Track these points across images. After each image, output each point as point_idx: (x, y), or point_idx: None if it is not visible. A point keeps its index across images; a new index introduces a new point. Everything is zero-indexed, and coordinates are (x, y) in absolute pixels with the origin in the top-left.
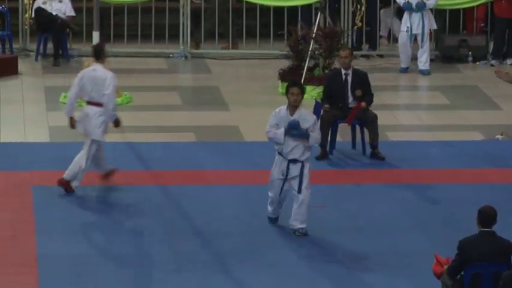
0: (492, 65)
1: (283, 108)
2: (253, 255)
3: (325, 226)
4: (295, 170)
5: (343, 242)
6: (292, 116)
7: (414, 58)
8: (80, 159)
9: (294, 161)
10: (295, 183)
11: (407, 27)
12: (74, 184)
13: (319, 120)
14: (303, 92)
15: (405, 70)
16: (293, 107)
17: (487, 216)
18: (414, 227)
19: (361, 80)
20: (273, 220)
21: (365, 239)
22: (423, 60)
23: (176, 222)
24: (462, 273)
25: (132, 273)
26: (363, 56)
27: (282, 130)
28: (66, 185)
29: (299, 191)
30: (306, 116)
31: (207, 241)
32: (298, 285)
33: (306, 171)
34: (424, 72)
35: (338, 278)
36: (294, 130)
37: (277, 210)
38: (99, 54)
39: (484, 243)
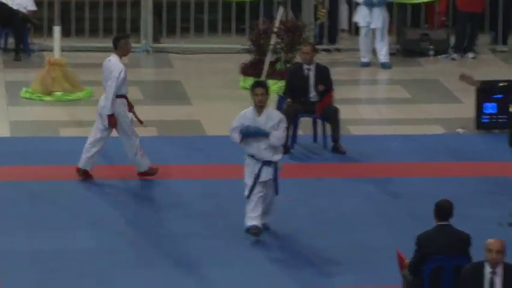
0: (453, 59)
1: (249, 110)
2: (219, 249)
3: (291, 221)
4: (268, 172)
5: (310, 237)
6: (259, 116)
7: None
8: (129, 153)
9: (267, 163)
10: (268, 186)
11: (368, 21)
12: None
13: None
14: (267, 91)
15: (367, 64)
16: (259, 107)
17: (443, 210)
18: (378, 221)
19: (323, 75)
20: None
21: (331, 234)
22: (383, 54)
23: (139, 217)
24: (422, 266)
25: (95, 269)
26: (324, 50)
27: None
28: (146, 174)
29: (276, 193)
30: (273, 115)
31: (170, 236)
32: (266, 281)
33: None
34: (385, 66)
35: (305, 273)
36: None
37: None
38: (115, 45)
39: (442, 237)
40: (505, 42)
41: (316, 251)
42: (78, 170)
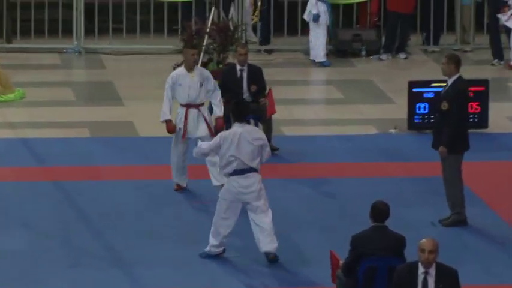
0: (380, 59)
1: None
2: (149, 250)
3: None
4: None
5: (241, 237)
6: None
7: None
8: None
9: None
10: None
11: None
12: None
13: None
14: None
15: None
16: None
17: (379, 212)
18: (311, 222)
19: (256, 75)
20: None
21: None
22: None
23: (71, 218)
24: (357, 266)
25: (28, 269)
26: (259, 50)
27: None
28: None
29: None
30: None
31: (102, 236)
32: (195, 280)
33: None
34: (325, 64)
35: (236, 272)
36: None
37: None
38: None
39: (377, 238)
40: (436, 43)
41: (247, 251)
42: None
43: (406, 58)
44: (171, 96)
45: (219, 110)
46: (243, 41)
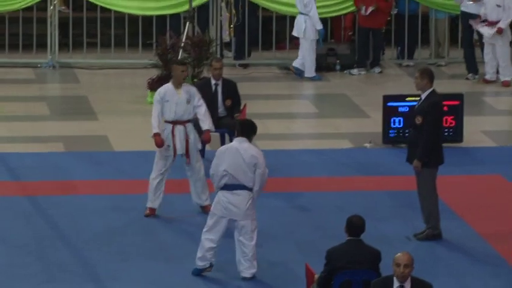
0: (351, 74)
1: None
2: (124, 265)
3: (195, 235)
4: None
5: (219, 252)
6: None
7: None
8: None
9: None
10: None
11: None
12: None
13: None
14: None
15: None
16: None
17: (354, 226)
18: (284, 236)
19: (231, 90)
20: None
21: (232, 248)
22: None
23: (45, 233)
24: (332, 281)
25: (2, 285)
26: (234, 65)
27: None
28: None
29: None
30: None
31: (77, 251)
32: None
33: None
34: (315, 79)
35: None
36: None
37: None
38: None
39: (352, 251)
40: (411, 57)
41: (221, 265)
42: None
43: (380, 72)
44: (160, 111)
45: (205, 124)
46: (218, 56)
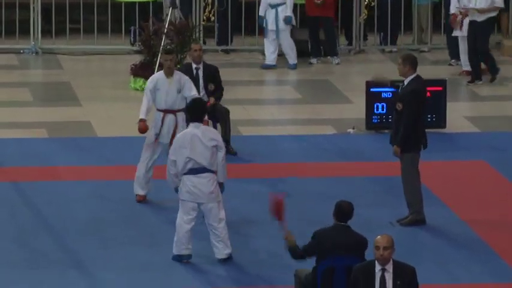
0: (311, 63)
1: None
2: (106, 252)
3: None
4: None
5: (196, 238)
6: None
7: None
8: None
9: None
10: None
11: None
12: None
13: None
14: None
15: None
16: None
17: (342, 211)
18: (267, 222)
19: (212, 75)
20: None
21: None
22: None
23: (28, 220)
24: (315, 265)
25: None
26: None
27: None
28: None
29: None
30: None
31: (60, 238)
32: (150, 282)
33: None
34: (291, 67)
35: (187, 273)
36: None
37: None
38: None
39: (339, 236)
40: (394, 43)
41: (200, 251)
42: None
43: (338, 63)
44: (150, 98)
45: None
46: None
